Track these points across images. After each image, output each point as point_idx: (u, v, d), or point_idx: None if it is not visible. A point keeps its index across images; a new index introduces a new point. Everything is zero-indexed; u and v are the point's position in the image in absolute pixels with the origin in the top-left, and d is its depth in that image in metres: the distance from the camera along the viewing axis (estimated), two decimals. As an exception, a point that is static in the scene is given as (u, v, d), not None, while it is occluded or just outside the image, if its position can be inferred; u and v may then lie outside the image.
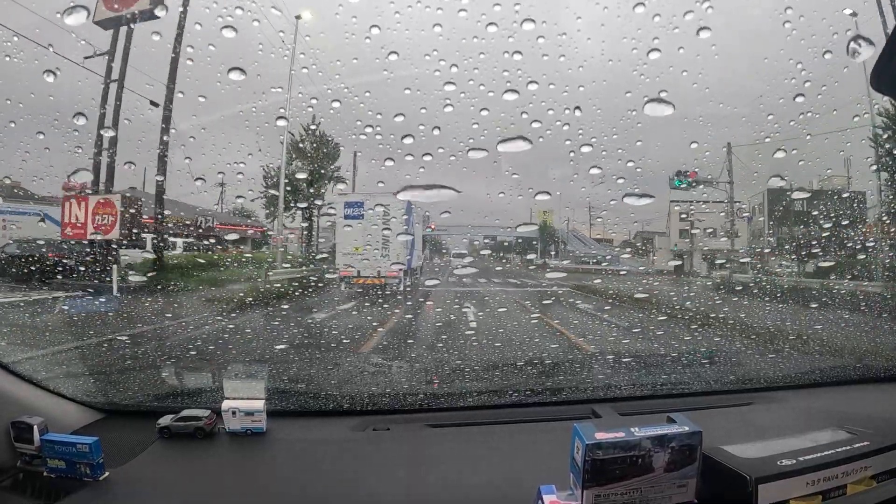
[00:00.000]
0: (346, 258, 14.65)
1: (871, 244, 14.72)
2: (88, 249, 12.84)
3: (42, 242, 12.56)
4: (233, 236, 23.69)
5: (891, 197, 15.41)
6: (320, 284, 14.85)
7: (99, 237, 11.78)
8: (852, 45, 1.64)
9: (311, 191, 19.23)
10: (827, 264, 14.37)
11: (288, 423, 1.80)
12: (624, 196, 3.78)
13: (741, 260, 21.55)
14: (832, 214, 17.31)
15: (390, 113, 3.43)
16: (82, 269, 12.28)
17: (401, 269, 14.37)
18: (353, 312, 10.94)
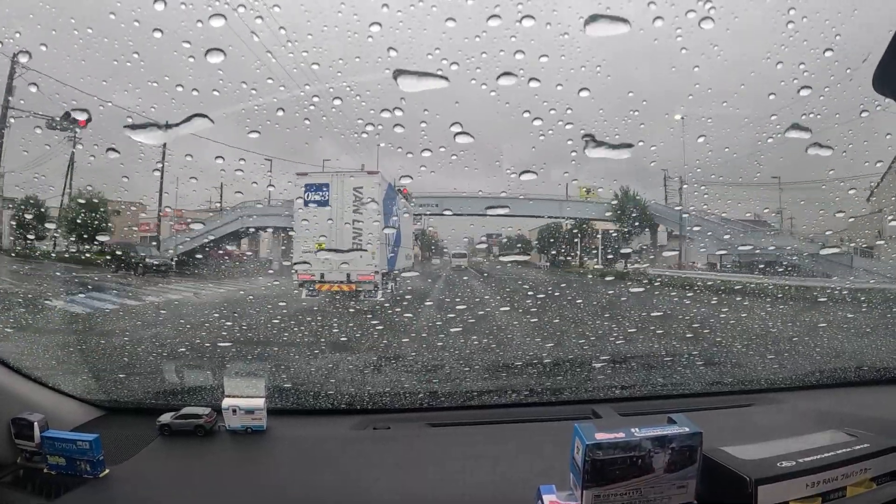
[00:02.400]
0: (307, 257, 11.19)
1: None
2: None
3: None
4: None
5: None
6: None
7: None
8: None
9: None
10: None
11: (288, 422, 1.81)
12: (586, 147, 2.74)
13: None
14: None
15: (392, 111, 3.42)
16: None
17: (378, 272, 11.23)
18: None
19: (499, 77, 2.84)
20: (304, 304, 10.59)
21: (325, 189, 11.42)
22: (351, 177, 11.39)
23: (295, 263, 11.30)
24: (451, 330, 6.10)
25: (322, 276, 11.08)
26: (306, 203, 11.36)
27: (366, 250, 11.11)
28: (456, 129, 3.00)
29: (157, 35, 3.34)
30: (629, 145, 2.73)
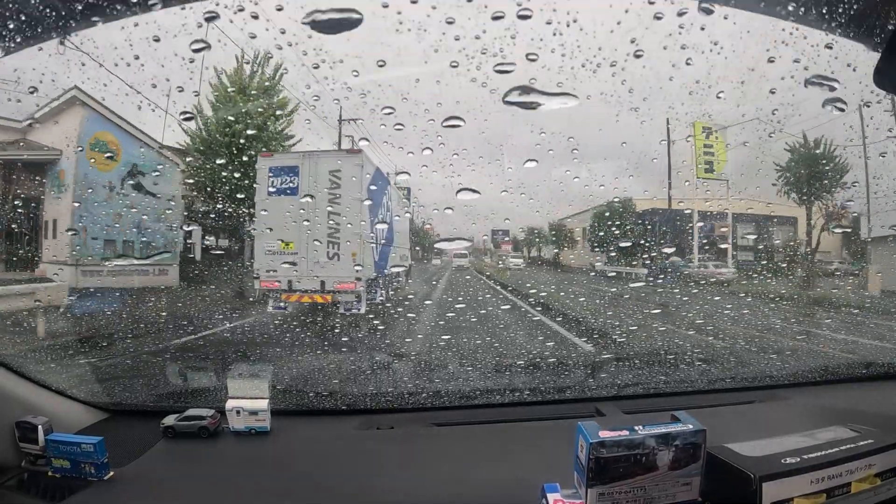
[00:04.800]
0: (271, 259, 8.96)
1: None
2: None
3: None
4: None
5: None
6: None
7: None
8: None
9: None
10: None
11: (292, 423, 1.81)
12: (505, 95, 2.22)
13: None
14: None
15: (390, 112, 3.43)
16: None
17: (361, 279, 8.89)
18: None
19: (495, 66, 2.82)
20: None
21: (293, 174, 9.07)
22: (326, 158, 9.11)
23: (257, 275, 9.07)
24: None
25: (290, 284, 8.91)
26: (270, 192, 9.07)
27: (346, 252, 8.91)
28: (453, 121, 2.96)
29: (156, 38, 3.35)
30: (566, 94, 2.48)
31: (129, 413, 1.91)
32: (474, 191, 3.37)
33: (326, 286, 8.84)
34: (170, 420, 1.68)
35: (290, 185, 9.00)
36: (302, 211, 8.91)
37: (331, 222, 8.84)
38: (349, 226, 8.76)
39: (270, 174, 9.06)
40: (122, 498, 1.36)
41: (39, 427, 1.43)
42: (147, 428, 1.70)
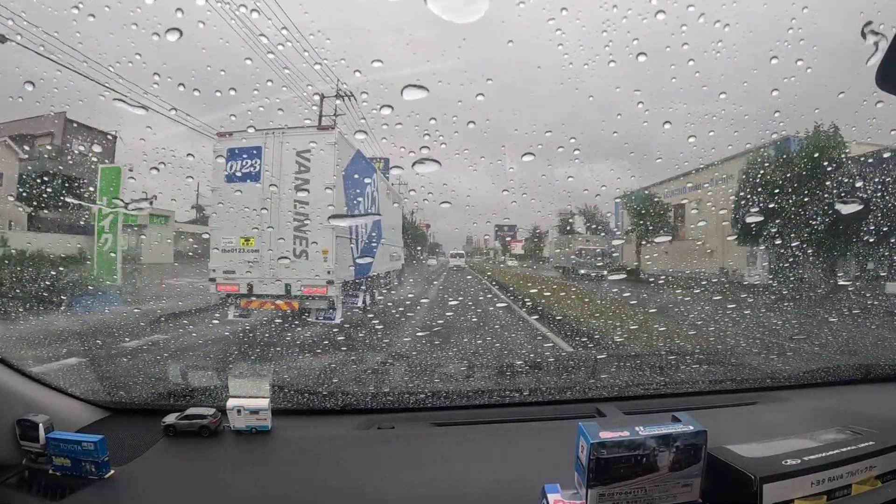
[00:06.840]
0: (228, 258, 7.62)
1: None
2: None
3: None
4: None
5: None
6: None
7: None
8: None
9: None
10: None
11: (293, 422, 1.81)
12: None
13: None
14: None
15: (390, 112, 3.43)
16: None
17: (335, 282, 7.50)
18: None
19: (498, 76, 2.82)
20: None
21: (255, 156, 7.55)
22: (294, 136, 7.55)
23: (213, 276, 7.69)
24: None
25: (250, 287, 7.55)
26: (229, 178, 7.62)
27: (315, 249, 7.51)
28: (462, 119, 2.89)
29: (155, 38, 3.36)
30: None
31: (129, 411, 1.91)
32: (435, 161, 2.75)
33: (292, 290, 7.52)
34: (171, 419, 1.68)
35: (251, 169, 7.59)
36: (265, 200, 7.58)
37: (297, 214, 7.48)
38: (319, 218, 7.34)
39: (228, 157, 7.64)
40: (122, 496, 1.36)
41: (40, 425, 1.43)
42: (148, 426, 1.71)
